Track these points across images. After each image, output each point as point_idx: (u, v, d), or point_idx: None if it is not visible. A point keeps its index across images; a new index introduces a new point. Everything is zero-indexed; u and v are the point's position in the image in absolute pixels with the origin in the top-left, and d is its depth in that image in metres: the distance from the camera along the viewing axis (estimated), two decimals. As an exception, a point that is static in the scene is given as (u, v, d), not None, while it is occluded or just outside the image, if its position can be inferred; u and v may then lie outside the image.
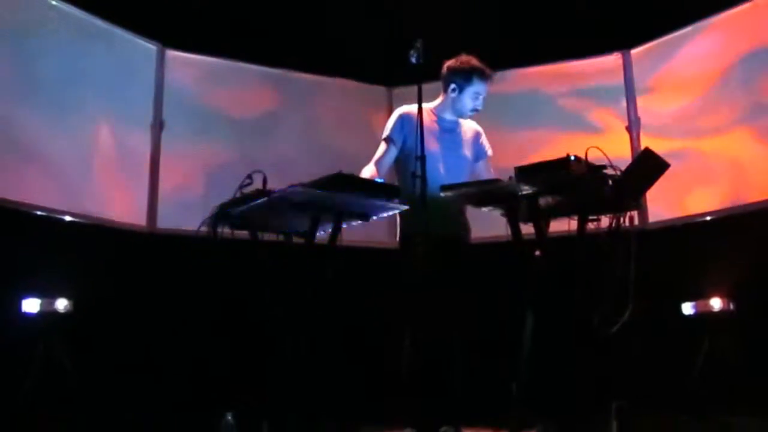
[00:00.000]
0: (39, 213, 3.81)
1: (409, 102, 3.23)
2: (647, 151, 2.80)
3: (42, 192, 3.85)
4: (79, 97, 4.09)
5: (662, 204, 4.39)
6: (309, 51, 4.93)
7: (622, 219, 2.76)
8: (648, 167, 2.77)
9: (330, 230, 2.95)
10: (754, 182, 4.12)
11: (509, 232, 2.85)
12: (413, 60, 2.87)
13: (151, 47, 4.54)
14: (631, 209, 2.76)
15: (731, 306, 4.05)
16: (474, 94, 3.31)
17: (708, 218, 4.31)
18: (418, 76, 2.88)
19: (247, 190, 2.76)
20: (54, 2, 4.01)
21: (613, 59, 4.79)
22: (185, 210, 4.26)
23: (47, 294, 3.63)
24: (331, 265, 2.90)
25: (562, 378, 2.65)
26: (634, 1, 4.61)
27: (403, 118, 3.31)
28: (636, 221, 2.94)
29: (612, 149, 2.92)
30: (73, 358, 3.64)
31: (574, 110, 4.82)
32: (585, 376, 2.68)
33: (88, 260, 3.85)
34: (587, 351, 2.71)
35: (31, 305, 3.59)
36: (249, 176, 2.76)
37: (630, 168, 2.71)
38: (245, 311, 3.59)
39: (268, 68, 4.93)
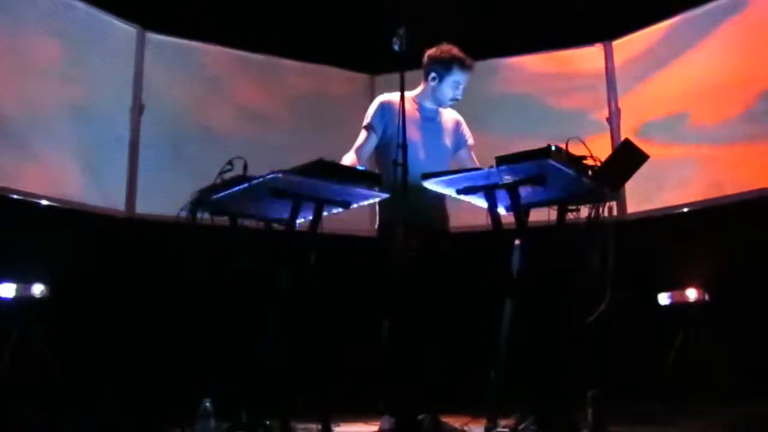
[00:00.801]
0: (15, 197, 3.76)
1: (391, 90, 3.21)
2: (627, 142, 2.82)
3: (18, 175, 3.80)
4: (58, 79, 4.04)
5: (640, 196, 4.42)
6: (292, 37, 4.90)
7: (601, 209, 2.77)
8: (627, 158, 2.78)
9: (310, 217, 2.94)
10: (731, 174, 4.17)
11: (489, 221, 2.86)
12: (396, 47, 2.86)
13: (131, 30, 4.49)
14: (610, 200, 2.78)
15: (706, 297, 4.12)
16: (454, 84, 3.29)
17: (685, 210, 4.36)
18: (401, 64, 2.87)
19: (228, 176, 2.74)
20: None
21: (595, 50, 4.81)
22: (164, 195, 4.23)
23: (23, 279, 3.61)
24: (314, 251, 2.90)
25: (539, 366, 2.67)
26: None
27: (384, 106, 3.29)
28: (615, 212, 2.96)
29: (592, 141, 2.94)
30: (49, 343, 3.62)
31: (555, 101, 4.83)
32: (562, 365, 2.71)
33: (66, 245, 3.81)
34: (565, 340, 2.74)
35: (6, 290, 3.57)
36: (230, 162, 2.75)
37: (609, 159, 2.72)
38: (224, 297, 3.58)
39: (250, 53, 4.90)
